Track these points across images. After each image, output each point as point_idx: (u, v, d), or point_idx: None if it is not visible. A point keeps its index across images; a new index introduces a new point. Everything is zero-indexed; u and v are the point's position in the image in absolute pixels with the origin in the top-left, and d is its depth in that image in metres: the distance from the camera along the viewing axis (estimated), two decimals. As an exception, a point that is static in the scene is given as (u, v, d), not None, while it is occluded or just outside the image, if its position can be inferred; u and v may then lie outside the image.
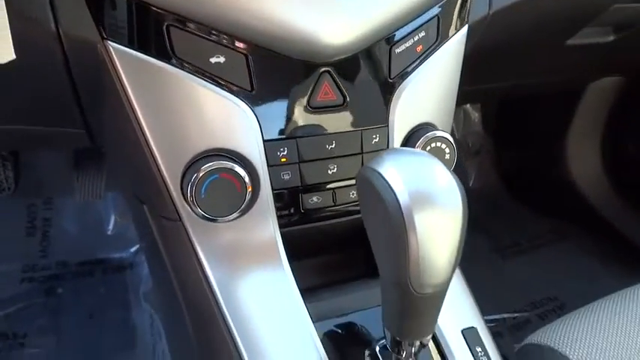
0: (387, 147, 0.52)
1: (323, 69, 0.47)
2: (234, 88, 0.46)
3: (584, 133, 1.16)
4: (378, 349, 0.46)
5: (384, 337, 0.45)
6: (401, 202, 0.35)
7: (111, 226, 1.24)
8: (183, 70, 0.44)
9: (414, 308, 0.38)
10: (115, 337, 1.00)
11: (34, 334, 1.00)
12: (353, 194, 0.52)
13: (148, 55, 0.44)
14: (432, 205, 0.35)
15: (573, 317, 0.60)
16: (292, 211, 0.50)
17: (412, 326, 0.39)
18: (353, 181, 0.51)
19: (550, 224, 1.27)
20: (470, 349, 0.47)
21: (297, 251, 0.51)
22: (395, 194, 0.35)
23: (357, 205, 0.53)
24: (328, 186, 0.51)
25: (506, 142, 1.37)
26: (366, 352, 0.47)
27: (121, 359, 0.97)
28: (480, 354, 0.47)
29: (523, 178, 1.34)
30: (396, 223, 0.35)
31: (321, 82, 0.48)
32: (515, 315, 1.06)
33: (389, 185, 0.35)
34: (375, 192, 0.36)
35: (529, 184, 1.33)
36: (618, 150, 1.16)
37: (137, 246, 1.20)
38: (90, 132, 0.65)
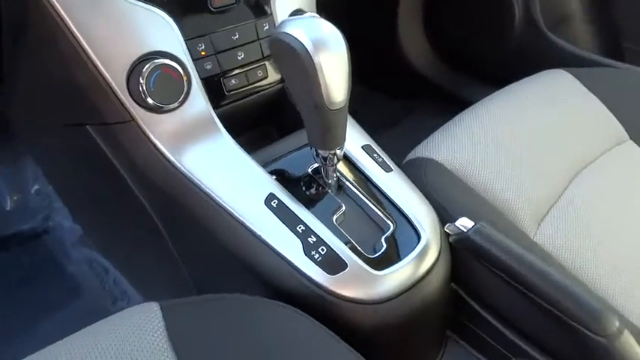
0: None
1: None
2: None
3: (410, 17, 1.41)
4: (310, 170, 0.64)
5: (314, 162, 0.63)
6: (308, 49, 0.51)
7: (8, 203, 1.23)
8: None
9: (330, 121, 0.55)
10: (59, 292, 1.06)
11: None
12: (260, 73, 0.67)
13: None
14: (327, 48, 0.52)
15: (441, 131, 0.82)
16: (219, 93, 0.64)
17: (331, 137, 0.57)
18: (257, 63, 0.66)
19: (400, 102, 1.54)
20: (369, 155, 0.67)
21: (229, 130, 0.66)
22: (303, 44, 0.51)
23: (265, 86, 0.69)
24: (241, 70, 0.65)
25: (355, 42, 1.58)
26: (302, 183, 0.64)
27: (74, 307, 1.04)
28: (377, 157, 0.67)
29: (373, 70, 1.58)
30: (308, 64, 0.51)
31: None
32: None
33: (297, 39, 0.51)
34: (288, 47, 0.51)
35: (378, 74, 1.57)
36: (437, 25, 1.44)
37: (43, 214, 1.22)
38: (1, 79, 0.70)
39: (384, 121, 1.49)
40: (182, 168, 0.60)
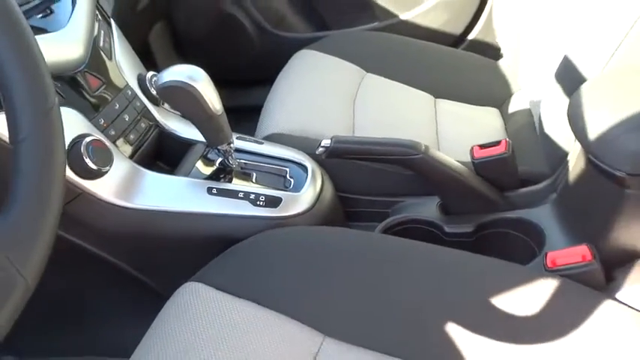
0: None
1: None
2: None
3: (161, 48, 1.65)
4: (218, 164, 0.89)
5: (218, 158, 0.89)
6: (191, 83, 0.77)
7: None
8: None
9: (220, 123, 0.82)
10: None
11: None
12: (143, 125, 0.89)
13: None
14: (198, 77, 0.79)
15: (264, 113, 1.14)
16: (128, 144, 0.85)
17: (224, 134, 0.83)
18: (138, 118, 0.88)
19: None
20: (244, 140, 0.95)
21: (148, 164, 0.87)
22: (186, 82, 0.77)
23: (150, 131, 0.90)
24: (132, 127, 0.87)
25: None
26: (216, 176, 0.89)
27: None
28: (249, 139, 0.96)
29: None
30: (195, 93, 0.77)
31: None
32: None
33: (180, 81, 0.77)
34: (177, 89, 0.77)
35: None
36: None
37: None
38: None
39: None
40: (140, 206, 0.80)
